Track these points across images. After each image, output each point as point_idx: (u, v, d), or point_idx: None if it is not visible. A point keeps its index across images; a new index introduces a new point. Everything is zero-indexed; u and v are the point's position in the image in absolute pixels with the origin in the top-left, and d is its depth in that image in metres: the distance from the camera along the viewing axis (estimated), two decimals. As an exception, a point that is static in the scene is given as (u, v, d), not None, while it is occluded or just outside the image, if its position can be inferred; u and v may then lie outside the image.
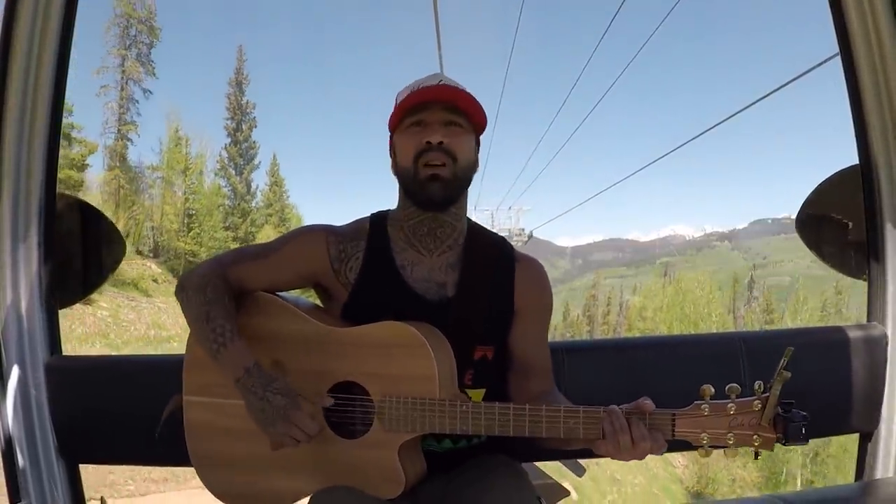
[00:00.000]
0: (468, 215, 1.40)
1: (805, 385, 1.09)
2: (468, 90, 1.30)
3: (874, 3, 1.72)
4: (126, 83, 27.60)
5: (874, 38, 1.75)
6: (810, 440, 1.07)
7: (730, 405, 1.07)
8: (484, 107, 1.28)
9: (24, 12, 1.61)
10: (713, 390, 1.08)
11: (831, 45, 1.87)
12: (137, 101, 28.08)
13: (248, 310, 1.30)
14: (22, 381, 1.69)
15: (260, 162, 30.77)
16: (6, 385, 1.67)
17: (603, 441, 1.09)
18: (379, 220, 1.36)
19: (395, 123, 1.29)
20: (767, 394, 1.05)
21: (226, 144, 29.70)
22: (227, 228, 29.54)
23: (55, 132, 1.71)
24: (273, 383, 1.18)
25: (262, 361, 1.23)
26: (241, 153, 29.74)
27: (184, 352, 1.37)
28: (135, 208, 26.65)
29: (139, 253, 27.39)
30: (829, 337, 1.85)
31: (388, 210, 1.38)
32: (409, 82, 1.34)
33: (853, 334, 1.82)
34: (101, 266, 1.86)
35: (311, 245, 1.32)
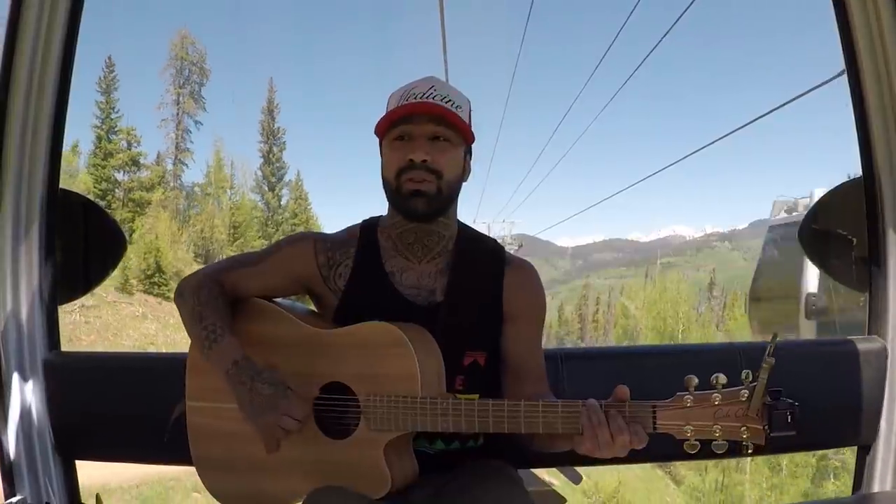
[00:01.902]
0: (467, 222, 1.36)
1: (803, 397, 1.07)
2: (461, 95, 1.24)
3: (880, 17, 1.64)
4: (181, 117, 32.12)
5: (880, 51, 1.67)
6: (811, 451, 1.04)
7: (715, 395, 1.00)
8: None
9: (30, 6, 1.53)
10: (697, 381, 1.01)
11: (839, 56, 1.78)
12: (190, 132, 32.82)
13: (242, 315, 1.28)
14: (20, 377, 1.62)
15: (289, 180, 34.66)
16: (4, 380, 1.60)
17: (581, 437, 1.04)
18: (369, 227, 1.31)
19: (383, 131, 1.23)
20: (755, 383, 0.98)
21: (260, 165, 33.64)
22: (262, 237, 31.70)
23: (59, 129, 1.64)
24: (262, 374, 1.14)
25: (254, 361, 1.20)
26: (273, 172, 33.22)
27: (181, 350, 1.37)
28: (192, 222, 30.26)
29: (195, 259, 30.26)
30: (829, 349, 1.81)
31: (381, 216, 1.33)
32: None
33: (852, 347, 1.74)
34: (103, 262, 1.78)
35: (298, 252, 1.29)
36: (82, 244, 1.74)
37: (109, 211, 26.21)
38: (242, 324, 1.26)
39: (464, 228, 1.32)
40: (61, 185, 1.72)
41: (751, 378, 0.99)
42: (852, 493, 1.85)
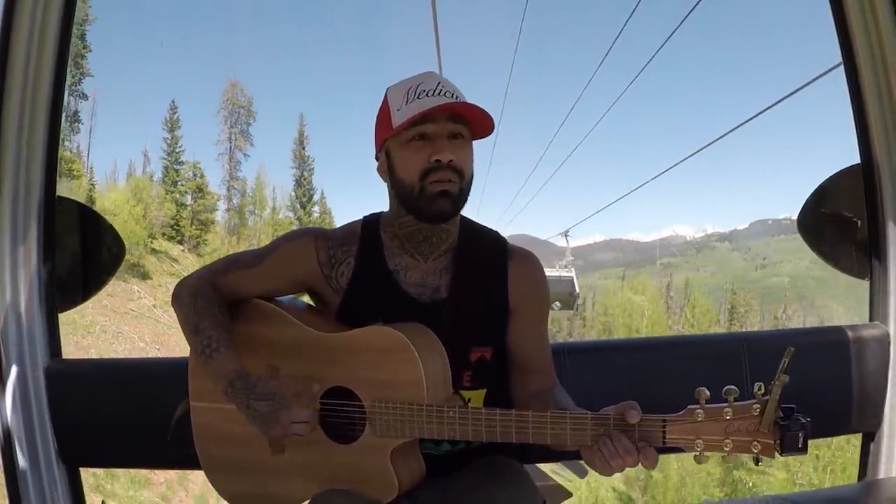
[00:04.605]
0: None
1: (807, 385, 1.06)
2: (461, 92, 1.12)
3: (875, 7, 1.57)
4: (233, 151, 37.24)
5: (875, 39, 1.59)
6: (812, 440, 1.04)
7: (726, 409, 0.94)
8: (488, 109, 1.11)
9: (25, 7, 1.45)
10: (708, 393, 0.95)
11: (836, 50, 1.69)
12: (240, 162, 37.72)
13: (243, 317, 1.19)
14: (22, 384, 1.52)
15: (318, 200, 39.33)
16: (6, 388, 1.50)
17: (589, 449, 0.99)
18: (371, 224, 1.22)
19: (395, 131, 1.11)
20: (767, 397, 0.93)
21: (293, 187, 38.53)
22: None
23: (55, 133, 1.54)
24: (254, 390, 1.06)
25: (256, 368, 1.12)
26: (304, 194, 38.24)
27: (182, 355, 1.29)
28: (243, 236, 34.69)
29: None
30: (832, 337, 1.71)
31: (381, 213, 1.23)
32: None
33: (855, 334, 1.67)
34: (101, 268, 1.71)
35: (299, 251, 1.20)
36: (80, 250, 1.66)
37: (178, 227, 29.51)
38: (243, 326, 1.17)
39: (466, 223, 1.23)
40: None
41: (763, 391, 0.93)
42: (858, 480, 1.77)
